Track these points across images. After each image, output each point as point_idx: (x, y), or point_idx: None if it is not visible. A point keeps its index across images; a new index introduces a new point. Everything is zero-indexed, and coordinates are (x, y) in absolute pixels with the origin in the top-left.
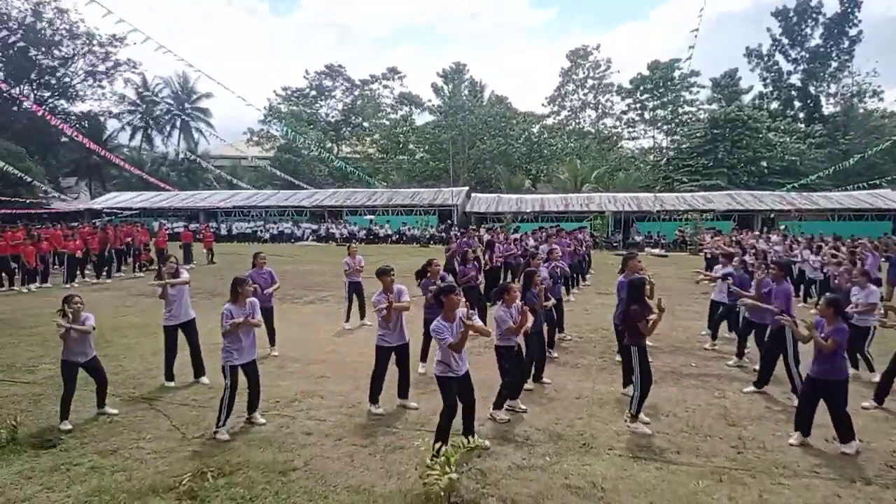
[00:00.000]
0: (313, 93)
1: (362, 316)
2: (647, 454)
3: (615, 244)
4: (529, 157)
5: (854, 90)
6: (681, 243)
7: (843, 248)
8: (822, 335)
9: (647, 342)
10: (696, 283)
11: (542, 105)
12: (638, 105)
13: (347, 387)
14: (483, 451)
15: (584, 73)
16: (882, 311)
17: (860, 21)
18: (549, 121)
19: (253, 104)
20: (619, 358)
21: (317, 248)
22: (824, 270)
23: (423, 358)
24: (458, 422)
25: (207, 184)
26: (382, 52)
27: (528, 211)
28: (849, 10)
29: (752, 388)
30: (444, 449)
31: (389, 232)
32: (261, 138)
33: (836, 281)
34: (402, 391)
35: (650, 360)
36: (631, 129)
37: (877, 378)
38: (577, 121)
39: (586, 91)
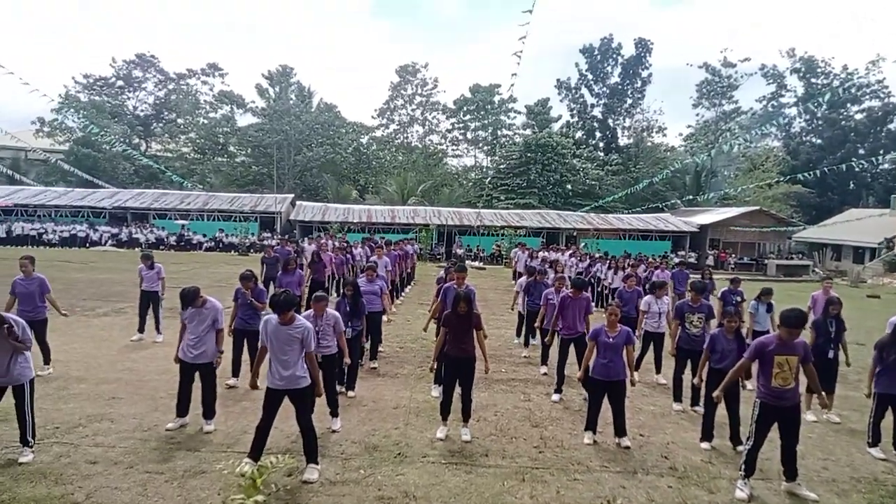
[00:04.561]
0: (120, 83)
1: (158, 330)
2: (459, 459)
3: (438, 256)
4: (358, 167)
5: (644, 125)
6: (497, 257)
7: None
8: (610, 339)
9: None
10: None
11: (372, 117)
12: (461, 125)
13: (143, 408)
14: (294, 469)
15: (412, 89)
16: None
17: (651, 65)
18: (378, 133)
19: (40, 89)
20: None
21: (116, 254)
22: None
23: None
24: (273, 441)
25: None
26: (201, 48)
27: (355, 221)
28: (642, 54)
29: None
30: (249, 470)
31: (204, 239)
32: (53, 129)
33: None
34: (208, 412)
35: None
36: (455, 148)
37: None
38: (406, 135)
39: (414, 107)
